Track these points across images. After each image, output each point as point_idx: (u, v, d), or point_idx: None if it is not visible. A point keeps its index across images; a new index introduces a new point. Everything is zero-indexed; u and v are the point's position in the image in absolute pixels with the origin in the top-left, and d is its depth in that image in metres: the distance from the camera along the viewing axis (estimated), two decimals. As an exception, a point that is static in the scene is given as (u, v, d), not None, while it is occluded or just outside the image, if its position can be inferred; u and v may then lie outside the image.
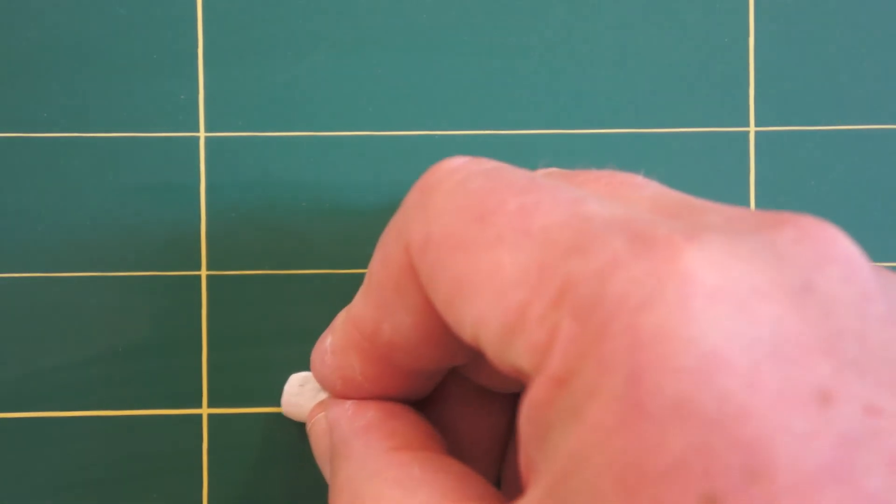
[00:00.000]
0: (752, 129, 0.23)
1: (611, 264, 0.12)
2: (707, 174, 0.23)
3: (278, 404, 0.22)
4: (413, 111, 0.23)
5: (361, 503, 0.16)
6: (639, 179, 0.15)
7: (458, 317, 0.14)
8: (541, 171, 0.18)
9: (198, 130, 0.22)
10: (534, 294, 0.13)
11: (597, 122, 0.23)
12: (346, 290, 0.22)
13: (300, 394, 0.21)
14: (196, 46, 0.22)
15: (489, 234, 0.14)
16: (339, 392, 0.19)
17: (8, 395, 0.22)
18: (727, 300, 0.11)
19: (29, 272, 0.22)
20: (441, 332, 0.16)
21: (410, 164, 0.23)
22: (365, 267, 0.22)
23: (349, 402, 0.18)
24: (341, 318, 0.18)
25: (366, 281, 0.17)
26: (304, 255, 0.23)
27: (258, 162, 0.22)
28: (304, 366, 0.22)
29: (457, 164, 0.15)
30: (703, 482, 0.11)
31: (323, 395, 0.20)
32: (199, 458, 0.22)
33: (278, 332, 0.22)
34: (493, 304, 0.13)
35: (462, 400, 0.20)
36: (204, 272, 0.22)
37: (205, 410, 0.22)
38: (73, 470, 0.22)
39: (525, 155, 0.22)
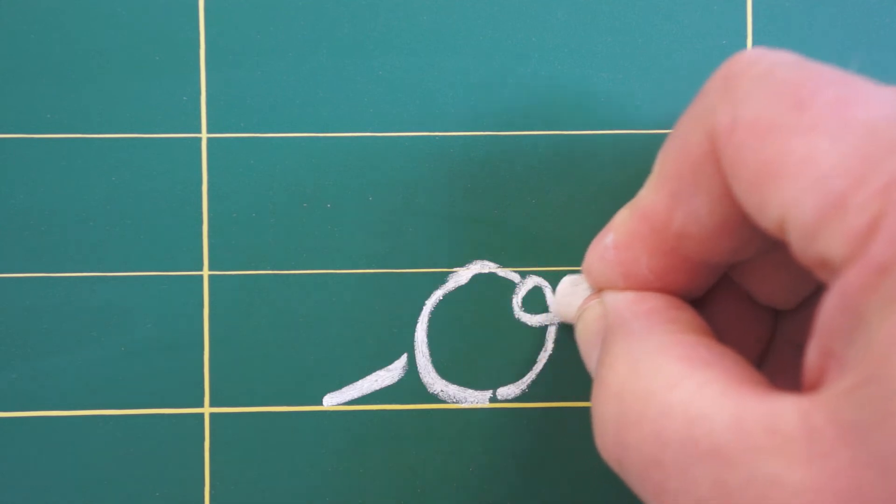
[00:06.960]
0: (750, 129, 0.23)
1: None
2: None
3: (279, 403, 0.22)
4: (413, 111, 0.23)
5: (637, 373, 0.16)
6: None
7: (762, 201, 0.14)
8: None
9: (200, 132, 0.22)
10: (856, 182, 0.13)
11: (596, 123, 0.23)
12: (345, 291, 0.23)
13: (573, 293, 0.21)
14: (198, 48, 0.22)
15: (805, 120, 0.14)
16: (621, 288, 0.19)
17: (8, 395, 0.22)
18: None
19: (30, 272, 0.22)
20: (736, 219, 0.16)
21: (410, 164, 0.23)
22: (365, 267, 0.23)
23: (628, 292, 0.18)
24: (624, 214, 0.18)
25: (655, 173, 0.17)
26: (304, 255, 0.23)
27: (259, 163, 0.22)
28: (304, 364, 0.22)
29: (758, 53, 0.15)
30: None
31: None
32: (200, 457, 0.22)
33: (279, 332, 0.22)
34: (807, 190, 0.13)
35: (730, 307, 0.20)
36: (206, 272, 0.22)
37: (207, 410, 0.22)
38: (73, 470, 0.22)
39: (525, 155, 0.23)
